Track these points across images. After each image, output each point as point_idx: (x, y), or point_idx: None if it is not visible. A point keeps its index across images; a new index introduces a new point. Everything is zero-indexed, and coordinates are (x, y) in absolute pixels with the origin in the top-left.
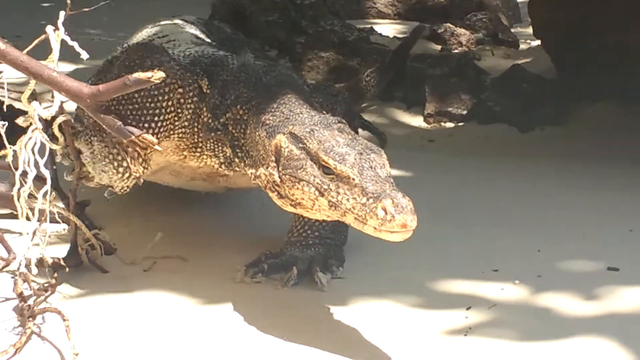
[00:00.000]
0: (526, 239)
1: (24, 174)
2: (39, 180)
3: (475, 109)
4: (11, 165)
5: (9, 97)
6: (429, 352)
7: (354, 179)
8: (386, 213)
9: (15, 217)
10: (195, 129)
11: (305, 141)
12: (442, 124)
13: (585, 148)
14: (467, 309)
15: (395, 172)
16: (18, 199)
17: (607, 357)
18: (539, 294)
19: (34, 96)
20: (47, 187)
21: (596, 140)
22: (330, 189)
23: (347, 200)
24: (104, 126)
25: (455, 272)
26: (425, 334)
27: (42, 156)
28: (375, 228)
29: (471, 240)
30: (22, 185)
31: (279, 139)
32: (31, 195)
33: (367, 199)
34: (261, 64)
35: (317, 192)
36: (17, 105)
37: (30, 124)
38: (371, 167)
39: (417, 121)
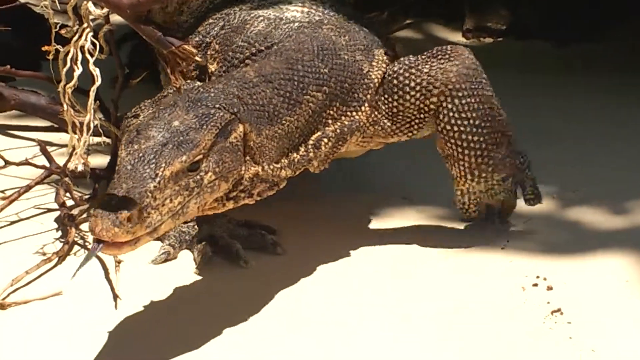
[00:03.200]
0: (564, 154)
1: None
2: (81, 92)
3: (514, 24)
4: (52, 77)
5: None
6: (467, 264)
7: (117, 169)
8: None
9: (56, 130)
10: None
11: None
12: (481, 39)
13: (622, 63)
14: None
15: None
16: (64, 96)
17: None
18: (576, 208)
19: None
20: (96, 84)
21: (633, 55)
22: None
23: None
24: (144, 37)
25: None
26: (464, 247)
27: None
28: None
29: None
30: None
31: None
32: (74, 109)
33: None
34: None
35: None
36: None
37: (74, 33)
38: (149, 162)
39: (455, 37)
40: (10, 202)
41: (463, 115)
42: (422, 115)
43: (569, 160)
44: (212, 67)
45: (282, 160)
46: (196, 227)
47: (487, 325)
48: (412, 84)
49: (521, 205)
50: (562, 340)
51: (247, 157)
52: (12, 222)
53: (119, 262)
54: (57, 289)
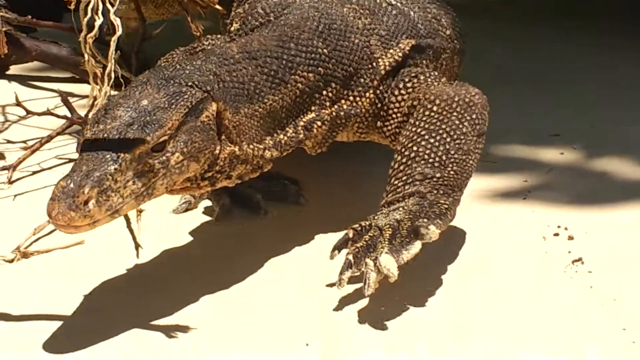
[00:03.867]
0: (587, 105)
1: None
2: (101, 43)
3: None
4: (74, 27)
5: None
6: (489, 214)
7: (81, 150)
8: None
9: (77, 80)
10: None
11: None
12: None
13: None
14: (524, 181)
15: None
16: (85, 46)
17: None
18: (597, 158)
19: None
20: (118, 34)
21: None
22: None
23: None
24: None
25: (515, 136)
26: (485, 197)
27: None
28: None
29: (531, 106)
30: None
31: None
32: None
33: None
34: None
35: None
36: None
37: None
38: (112, 143)
39: None
40: (32, 152)
41: (417, 123)
42: (401, 120)
43: (593, 111)
44: (234, 26)
45: (267, 141)
46: None
47: (507, 274)
48: (408, 84)
49: (544, 156)
50: (582, 290)
51: (223, 137)
52: (34, 172)
53: (141, 211)
54: (79, 238)
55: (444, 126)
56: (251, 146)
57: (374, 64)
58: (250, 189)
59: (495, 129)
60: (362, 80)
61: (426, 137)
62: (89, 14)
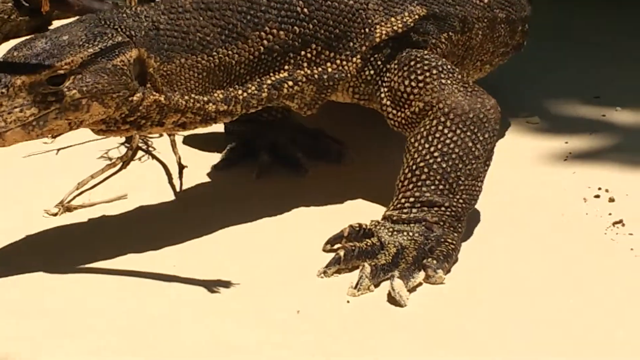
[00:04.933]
0: (629, 70)
1: None
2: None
3: None
4: None
5: None
6: (530, 175)
7: None
8: None
9: None
10: None
11: None
12: None
13: None
14: (566, 142)
15: None
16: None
17: None
18: (639, 120)
19: None
20: None
21: None
22: None
23: None
24: None
25: (557, 98)
26: (527, 158)
27: None
28: None
29: (573, 69)
30: None
31: None
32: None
33: None
34: None
35: None
36: None
37: None
38: (1, 74)
39: None
40: None
41: (429, 138)
42: (409, 115)
43: (634, 77)
44: None
45: (215, 94)
46: (260, 133)
47: (548, 235)
48: (420, 77)
49: (585, 117)
50: (623, 252)
51: (148, 84)
52: None
53: (184, 167)
54: (121, 193)
55: (457, 150)
56: (186, 97)
57: (368, 29)
58: (292, 146)
59: (537, 91)
60: (351, 44)
61: (438, 159)
62: None
